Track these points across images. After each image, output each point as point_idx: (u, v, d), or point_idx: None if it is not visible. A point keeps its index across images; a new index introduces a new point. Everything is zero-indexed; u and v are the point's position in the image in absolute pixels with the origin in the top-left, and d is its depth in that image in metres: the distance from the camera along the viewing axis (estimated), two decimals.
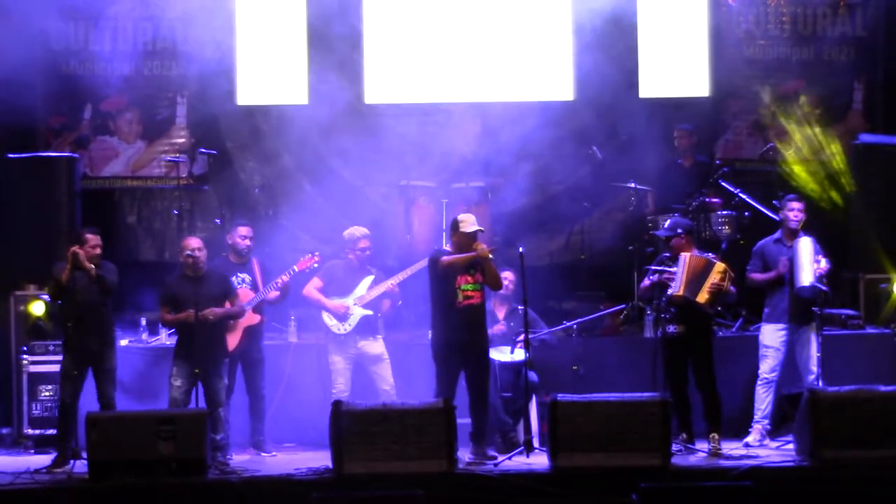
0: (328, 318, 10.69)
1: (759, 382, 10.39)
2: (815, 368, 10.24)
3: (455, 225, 10.03)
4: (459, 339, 9.88)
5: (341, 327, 10.66)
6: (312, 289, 10.74)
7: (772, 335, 10.41)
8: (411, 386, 10.58)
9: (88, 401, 10.11)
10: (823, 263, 10.23)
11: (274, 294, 10.72)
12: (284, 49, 13.01)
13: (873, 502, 9.00)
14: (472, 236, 9.92)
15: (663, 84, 13.10)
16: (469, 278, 9.94)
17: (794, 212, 10.41)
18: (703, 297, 10.03)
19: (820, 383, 10.07)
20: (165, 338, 11.34)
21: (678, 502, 8.59)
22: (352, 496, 8.83)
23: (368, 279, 10.76)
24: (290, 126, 13.04)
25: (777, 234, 10.54)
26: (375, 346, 10.72)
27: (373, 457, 9.17)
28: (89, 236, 10.15)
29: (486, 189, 12.18)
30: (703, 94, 13.18)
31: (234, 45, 12.93)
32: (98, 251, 10.14)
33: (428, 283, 10.16)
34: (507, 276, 10.82)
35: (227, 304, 10.19)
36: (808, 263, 10.14)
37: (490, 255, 9.87)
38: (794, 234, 10.39)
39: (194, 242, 10.28)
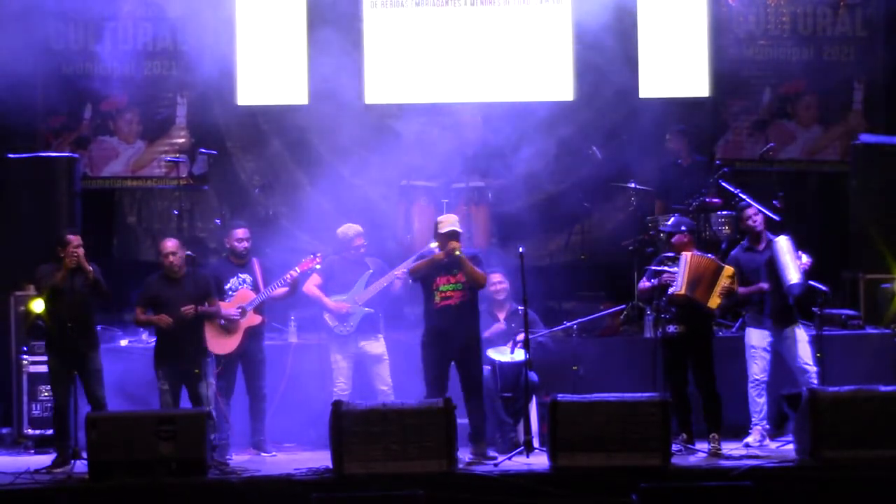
0: (330, 320, 10.69)
1: (750, 385, 10.39)
2: (810, 367, 10.25)
3: (435, 226, 10.08)
4: (438, 340, 9.95)
5: (343, 328, 10.66)
6: (312, 286, 10.75)
7: (757, 337, 10.43)
8: (411, 386, 10.57)
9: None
10: (805, 259, 10.25)
11: (282, 290, 10.72)
12: (284, 49, 13.00)
13: (873, 502, 9.00)
14: (447, 237, 9.93)
15: (663, 84, 13.09)
16: (450, 279, 9.96)
17: (750, 218, 10.50)
18: (714, 301, 10.04)
19: (816, 381, 10.07)
20: None
21: (678, 502, 8.58)
22: (352, 496, 8.82)
23: (366, 275, 10.75)
24: (290, 126, 13.05)
25: (745, 243, 10.58)
26: (377, 346, 10.72)
27: (373, 457, 9.17)
28: (71, 237, 10.10)
29: (486, 189, 12.18)
30: (703, 94, 13.17)
31: (234, 45, 12.91)
32: (81, 251, 10.09)
33: None
34: (496, 278, 10.85)
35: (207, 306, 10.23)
36: (792, 261, 10.17)
37: (455, 254, 9.84)
38: (759, 238, 10.44)
39: (170, 244, 10.31)
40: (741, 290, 10.38)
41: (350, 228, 10.85)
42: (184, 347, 10.04)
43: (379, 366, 10.66)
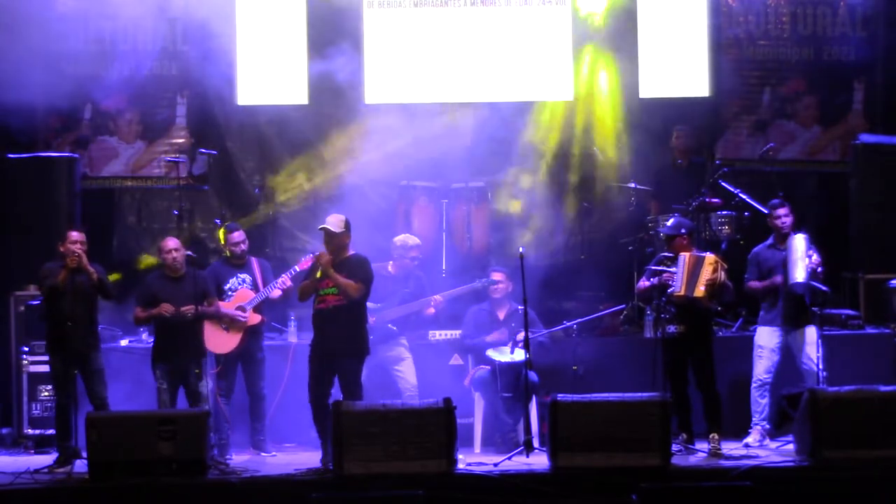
0: None
1: (753, 385, 10.43)
2: (815, 368, 10.24)
3: None
4: (313, 342, 9.87)
5: None
6: None
7: (766, 337, 10.45)
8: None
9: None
10: (815, 257, 10.27)
11: (277, 293, 10.73)
12: (284, 49, 12.99)
13: (873, 502, 9.00)
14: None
15: (663, 84, 13.08)
16: (328, 282, 9.84)
17: (780, 218, 10.53)
18: (699, 292, 10.05)
19: (822, 375, 10.07)
20: None
21: (678, 502, 8.60)
22: (352, 496, 8.83)
23: (402, 292, 10.69)
24: (290, 126, 13.04)
25: (770, 240, 10.61)
26: (398, 350, 10.67)
27: (373, 457, 9.17)
28: (74, 234, 10.12)
29: (486, 189, 12.19)
30: (703, 94, 13.17)
31: (235, 45, 12.90)
32: (79, 247, 10.05)
33: None
34: (497, 277, 10.85)
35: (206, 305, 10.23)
36: (800, 259, 10.19)
37: (321, 259, 9.75)
38: (785, 238, 10.45)
39: (171, 243, 10.36)
40: (755, 284, 10.43)
41: (409, 239, 10.83)
42: (182, 346, 10.03)
43: (401, 363, 10.58)
